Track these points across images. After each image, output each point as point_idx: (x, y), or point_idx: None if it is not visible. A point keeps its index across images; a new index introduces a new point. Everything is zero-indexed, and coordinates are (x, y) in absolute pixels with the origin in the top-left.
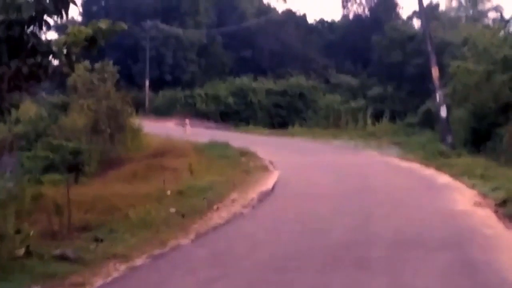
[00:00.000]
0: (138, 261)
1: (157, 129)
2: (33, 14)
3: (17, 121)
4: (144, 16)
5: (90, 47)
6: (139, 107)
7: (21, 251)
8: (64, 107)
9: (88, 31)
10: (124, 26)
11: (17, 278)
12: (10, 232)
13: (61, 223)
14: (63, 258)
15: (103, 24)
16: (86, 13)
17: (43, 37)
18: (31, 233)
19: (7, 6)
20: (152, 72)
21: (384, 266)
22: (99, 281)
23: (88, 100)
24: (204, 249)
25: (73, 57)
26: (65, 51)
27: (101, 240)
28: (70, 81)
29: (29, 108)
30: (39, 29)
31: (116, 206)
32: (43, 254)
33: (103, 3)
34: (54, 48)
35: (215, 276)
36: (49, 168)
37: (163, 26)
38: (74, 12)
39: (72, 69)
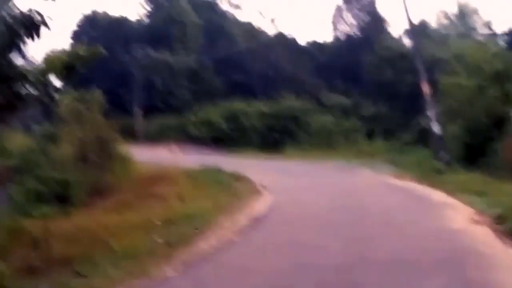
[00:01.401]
0: None
1: (148, 156)
2: (5, 40)
3: (5, 153)
4: (133, 43)
5: (69, 74)
6: (130, 134)
7: None
8: (53, 137)
9: (65, 58)
10: (102, 50)
11: None
12: None
13: (40, 258)
14: None
15: (81, 50)
16: (76, 42)
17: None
18: (4, 269)
19: None
20: (143, 99)
21: None
22: None
23: (76, 130)
24: (190, 279)
25: (51, 85)
26: (42, 79)
27: (81, 275)
28: (57, 110)
29: (19, 140)
30: (11, 55)
31: (100, 237)
32: None
33: (92, 32)
34: (31, 76)
35: None
36: (39, 200)
37: (152, 52)
38: (63, 41)
39: (50, 98)
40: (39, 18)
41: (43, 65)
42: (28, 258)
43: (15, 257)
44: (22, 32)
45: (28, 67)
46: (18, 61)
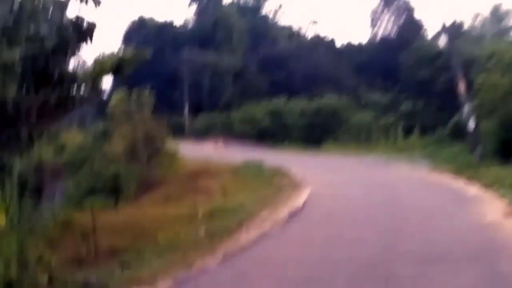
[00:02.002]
0: (162, 285)
1: (195, 151)
2: (56, 45)
3: (62, 149)
4: (181, 45)
5: (118, 75)
6: (179, 131)
7: (44, 279)
8: (105, 134)
9: (112, 60)
10: (148, 53)
11: None
12: (32, 260)
13: (87, 249)
14: (86, 285)
15: (127, 53)
16: (127, 43)
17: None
18: (53, 260)
19: (31, 38)
20: (190, 97)
21: (412, 284)
22: None
23: (126, 127)
24: (230, 270)
25: (99, 87)
26: (91, 80)
27: (128, 265)
28: (109, 109)
29: (74, 137)
30: (65, 59)
31: (146, 229)
32: (66, 281)
33: (142, 34)
34: (81, 79)
35: None
36: (91, 193)
37: (198, 54)
38: (115, 42)
39: (98, 98)
40: (89, 25)
41: (93, 68)
42: (77, 249)
43: (65, 248)
44: (73, 38)
45: (79, 71)
46: (70, 64)
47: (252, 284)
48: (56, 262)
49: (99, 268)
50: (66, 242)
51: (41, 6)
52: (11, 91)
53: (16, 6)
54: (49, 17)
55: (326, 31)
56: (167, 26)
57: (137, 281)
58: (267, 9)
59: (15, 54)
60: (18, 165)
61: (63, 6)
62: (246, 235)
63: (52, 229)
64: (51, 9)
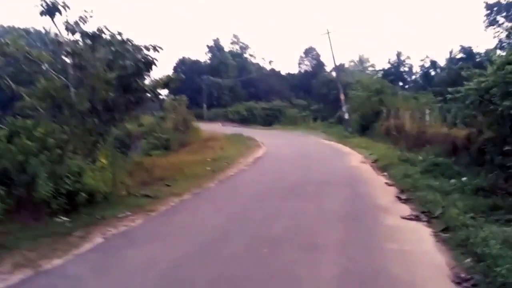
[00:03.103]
0: (186, 196)
1: (208, 128)
2: (134, 71)
3: (141, 125)
4: (202, 73)
5: (167, 87)
6: (200, 117)
7: (123, 193)
8: (162, 118)
9: (164, 80)
10: (182, 77)
11: (118, 207)
12: (118, 182)
13: (149, 177)
14: (146, 196)
15: (171, 76)
16: (175, 70)
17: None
18: (129, 182)
19: (121, 67)
20: (207, 101)
21: (313, 196)
22: (162, 208)
23: (173, 114)
24: (222, 188)
25: (158, 93)
26: (153, 90)
27: (169, 185)
28: (165, 105)
29: (147, 119)
30: (139, 78)
31: (180, 167)
32: (135, 194)
33: (183, 66)
34: (147, 88)
35: (223, 203)
36: (154, 148)
37: (211, 78)
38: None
39: (157, 99)
40: (152, 60)
41: (154, 83)
42: (143, 177)
43: (137, 176)
44: (143, 68)
45: (147, 84)
46: (143, 81)
47: (234, 193)
48: (131, 184)
49: (153, 187)
50: (138, 173)
51: (126, 49)
52: (110, 94)
53: (113, 48)
54: (130, 55)
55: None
56: (196, 62)
57: (172, 194)
58: (247, 54)
59: (113, 76)
60: (115, 132)
61: (139, 49)
62: (232, 170)
63: (131, 166)
64: (131, 50)
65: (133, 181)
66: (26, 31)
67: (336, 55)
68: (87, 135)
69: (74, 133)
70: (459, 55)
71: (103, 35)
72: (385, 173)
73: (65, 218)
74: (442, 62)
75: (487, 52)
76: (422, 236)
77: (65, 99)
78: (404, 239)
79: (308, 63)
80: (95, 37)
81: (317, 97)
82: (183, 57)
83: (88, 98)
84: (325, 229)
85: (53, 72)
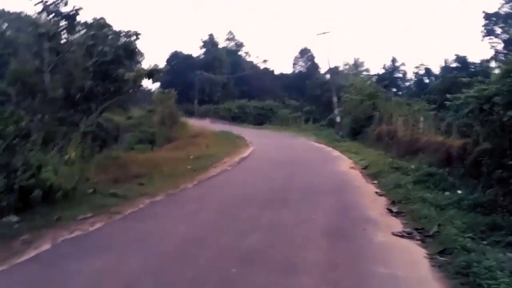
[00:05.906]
0: (158, 198)
1: (197, 124)
2: (113, 57)
3: (130, 118)
4: (195, 68)
5: (152, 78)
6: (191, 113)
7: (90, 191)
8: (151, 112)
9: (145, 71)
10: (164, 68)
11: (80, 207)
12: (84, 179)
13: (123, 174)
14: (114, 195)
15: (154, 68)
16: (168, 63)
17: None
18: (97, 179)
19: (99, 53)
20: (198, 96)
21: (296, 205)
22: (128, 210)
23: (160, 108)
24: (199, 190)
25: (139, 84)
26: (133, 80)
27: (142, 184)
28: (153, 98)
29: (137, 112)
30: (118, 67)
31: (159, 164)
32: (102, 192)
33: (176, 60)
34: (127, 77)
35: (196, 208)
36: (140, 142)
37: (204, 73)
38: (161, 62)
39: (137, 90)
40: (132, 47)
41: (134, 73)
42: (116, 174)
43: (110, 172)
44: (123, 55)
45: (127, 75)
46: (123, 69)
47: (211, 196)
48: (100, 181)
49: (125, 186)
50: (112, 169)
51: (106, 35)
52: (87, 82)
53: (92, 32)
54: (109, 42)
55: (271, 65)
56: (189, 57)
57: (144, 195)
58: (242, 52)
59: (90, 62)
60: (85, 123)
61: (118, 36)
62: (214, 170)
63: (106, 161)
64: (110, 37)
65: (105, 177)
66: (17, 15)
67: (331, 58)
68: (58, 125)
69: (44, 121)
70: (454, 64)
71: (80, 18)
72: (375, 181)
73: (15, 219)
74: (436, 70)
75: (482, 63)
76: (416, 258)
77: (38, 84)
78: (396, 261)
79: (303, 64)
80: (71, 17)
81: (310, 99)
82: (176, 51)
83: (63, 85)
84: (306, 245)
85: (28, 56)
